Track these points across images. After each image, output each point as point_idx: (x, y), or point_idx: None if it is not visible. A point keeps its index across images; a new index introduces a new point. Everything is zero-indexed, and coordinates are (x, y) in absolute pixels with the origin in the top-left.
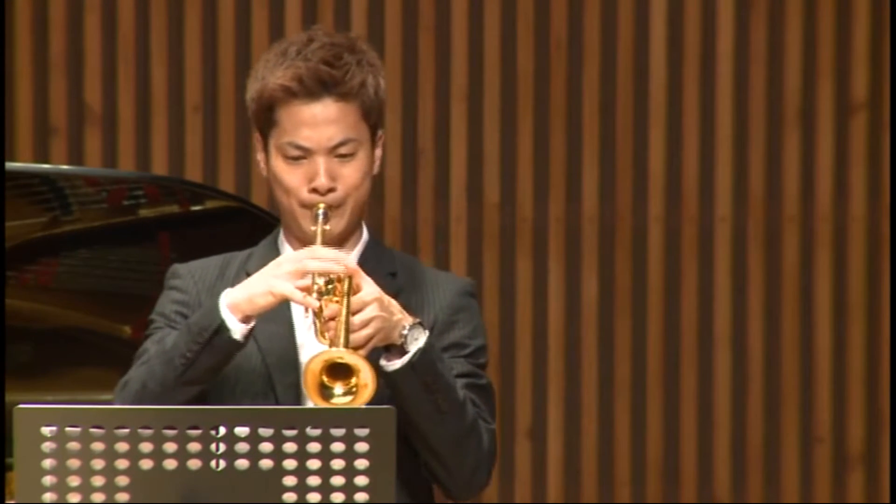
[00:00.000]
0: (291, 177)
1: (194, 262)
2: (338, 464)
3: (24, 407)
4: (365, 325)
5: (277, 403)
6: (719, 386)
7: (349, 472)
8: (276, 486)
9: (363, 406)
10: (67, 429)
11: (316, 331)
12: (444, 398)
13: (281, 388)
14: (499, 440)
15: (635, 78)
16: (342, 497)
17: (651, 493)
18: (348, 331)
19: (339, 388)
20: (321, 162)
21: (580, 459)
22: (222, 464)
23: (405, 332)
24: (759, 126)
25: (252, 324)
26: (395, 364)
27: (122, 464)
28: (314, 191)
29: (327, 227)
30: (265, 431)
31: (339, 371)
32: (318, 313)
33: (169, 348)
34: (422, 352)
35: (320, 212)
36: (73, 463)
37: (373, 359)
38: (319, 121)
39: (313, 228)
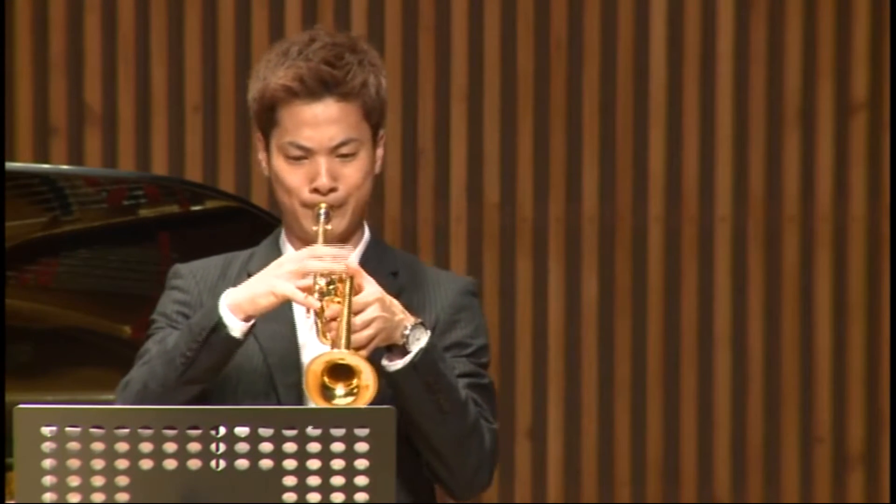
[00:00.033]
0: (293, 177)
1: (196, 262)
2: (338, 464)
3: (24, 407)
4: (367, 325)
5: (279, 404)
6: (719, 386)
7: (349, 472)
8: (276, 486)
9: (363, 406)
10: (67, 429)
11: (317, 331)
12: (446, 398)
13: (283, 388)
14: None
15: (635, 78)
16: (342, 497)
17: (651, 493)
18: (350, 331)
19: (340, 389)
20: (322, 162)
21: (580, 459)
22: (222, 464)
23: (407, 332)
24: (759, 126)
25: (252, 322)
26: (396, 364)
27: (122, 464)
28: (315, 191)
29: (329, 227)
30: (265, 431)
31: (340, 372)
32: (319, 314)
33: (170, 348)
34: (424, 352)
35: (322, 212)
36: (73, 463)
37: (374, 359)
38: (321, 121)
39: (315, 228)
